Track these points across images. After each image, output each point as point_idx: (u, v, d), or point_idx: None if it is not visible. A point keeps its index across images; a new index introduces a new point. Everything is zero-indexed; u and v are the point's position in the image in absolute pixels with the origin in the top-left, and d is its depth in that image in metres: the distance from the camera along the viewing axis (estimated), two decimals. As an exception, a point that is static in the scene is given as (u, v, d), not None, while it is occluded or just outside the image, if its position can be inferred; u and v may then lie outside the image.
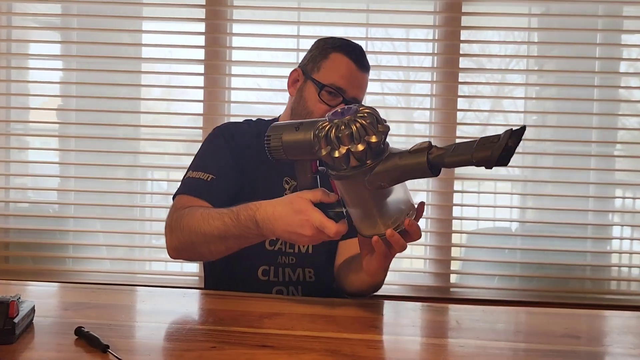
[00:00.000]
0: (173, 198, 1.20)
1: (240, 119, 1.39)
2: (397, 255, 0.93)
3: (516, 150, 0.72)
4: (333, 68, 1.23)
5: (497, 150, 0.70)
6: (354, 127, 0.83)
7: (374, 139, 0.82)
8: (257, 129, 1.30)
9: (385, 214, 0.88)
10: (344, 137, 0.83)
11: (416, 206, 0.91)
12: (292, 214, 0.93)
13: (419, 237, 0.90)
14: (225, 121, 2.03)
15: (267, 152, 0.97)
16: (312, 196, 0.93)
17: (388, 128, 0.86)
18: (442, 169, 0.81)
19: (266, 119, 1.38)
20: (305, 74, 1.27)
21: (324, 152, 0.85)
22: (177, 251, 1.11)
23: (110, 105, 2.13)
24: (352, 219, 0.92)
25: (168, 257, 1.13)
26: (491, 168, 0.73)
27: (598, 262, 2.08)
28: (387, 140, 0.87)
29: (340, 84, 1.21)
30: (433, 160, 0.78)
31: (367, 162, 0.83)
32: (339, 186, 0.89)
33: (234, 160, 1.23)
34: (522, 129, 0.71)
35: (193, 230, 1.04)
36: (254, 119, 1.37)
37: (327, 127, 0.85)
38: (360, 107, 0.87)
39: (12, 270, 2.10)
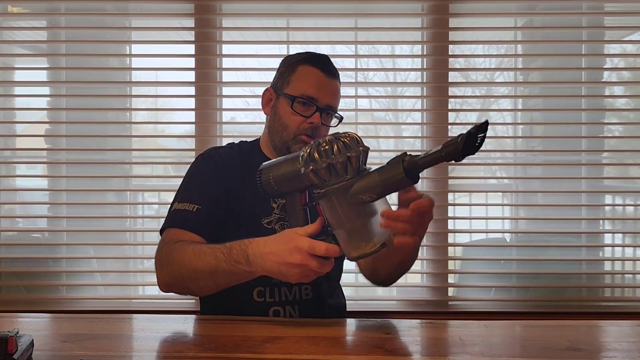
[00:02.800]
0: (161, 232, 1.20)
1: (232, 140, 1.40)
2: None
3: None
4: (301, 79, 1.26)
5: (461, 143, 0.77)
6: (334, 144, 0.89)
7: (353, 153, 0.88)
8: (239, 150, 1.32)
9: (369, 233, 0.91)
10: (325, 152, 0.89)
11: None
12: (282, 243, 0.94)
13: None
14: (218, 141, 2.05)
15: (260, 186, 1.01)
16: (303, 230, 0.95)
17: (368, 148, 0.92)
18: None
19: (248, 140, 1.39)
20: (276, 91, 1.30)
21: (309, 169, 0.90)
22: (168, 286, 1.12)
23: (101, 130, 2.12)
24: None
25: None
26: (460, 160, 0.80)
27: (593, 269, 2.09)
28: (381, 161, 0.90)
29: (310, 92, 1.24)
30: (408, 166, 0.84)
31: (348, 176, 0.89)
32: (325, 208, 0.92)
33: (218, 187, 1.23)
34: (485, 122, 0.78)
35: (183, 266, 1.04)
36: (236, 141, 1.39)
37: (310, 147, 0.91)
38: (342, 132, 0.94)
39: (5, 300, 2.06)
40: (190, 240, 1.11)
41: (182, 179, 1.28)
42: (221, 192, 1.23)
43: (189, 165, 1.31)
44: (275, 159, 1.03)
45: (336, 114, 1.31)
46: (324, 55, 1.30)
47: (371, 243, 0.90)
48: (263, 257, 0.95)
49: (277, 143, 1.28)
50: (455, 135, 0.79)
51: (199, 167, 1.28)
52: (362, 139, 0.93)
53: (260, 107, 1.36)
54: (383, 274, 1.18)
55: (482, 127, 0.78)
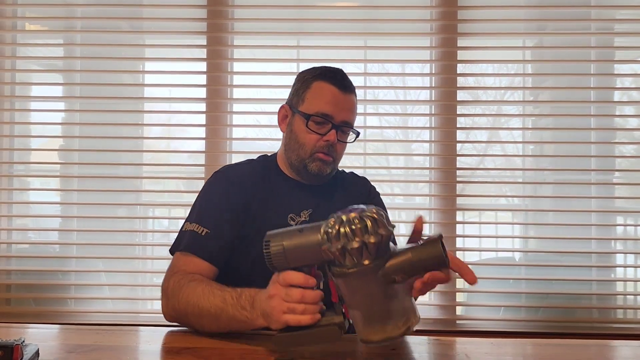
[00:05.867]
0: (171, 252, 1.19)
1: (242, 156, 1.39)
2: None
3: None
4: (316, 96, 1.23)
5: None
6: (367, 221, 0.80)
7: (385, 232, 0.80)
8: (260, 166, 1.30)
9: (390, 315, 0.84)
10: (357, 230, 0.80)
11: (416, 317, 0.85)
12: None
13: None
14: (227, 157, 2.06)
15: (267, 258, 0.89)
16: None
17: (394, 226, 0.84)
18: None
19: (268, 154, 1.38)
20: (292, 108, 1.28)
21: (337, 247, 0.81)
22: (172, 318, 1.12)
23: (113, 144, 2.15)
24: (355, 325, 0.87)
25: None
26: None
27: (603, 290, 2.06)
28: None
29: (326, 110, 1.21)
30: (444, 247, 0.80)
31: (364, 261, 0.81)
32: (344, 287, 0.84)
33: (230, 208, 1.20)
34: None
35: (190, 303, 1.04)
36: (255, 156, 1.36)
37: (338, 223, 0.82)
38: (367, 206, 0.84)
39: (14, 312, 2.08)
40: (201, 277, 1.10)
41: (195, 195, 1.27)
42: (233, 213, 1.20)
43: (199, 181, 1.31)
44: (285, 229, 0.91)
45: (353, 130, 1.27)
46: (338, 69, 1.28)
47: (390, 326, 0.83)
48: (264, 301, 0.91)
49: (293, 161, 1.26)
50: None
51: (211, 187, 1.25)
52: (389, 220, 0.84)
53: (271, 124, 1.35)
54: None
55: None
